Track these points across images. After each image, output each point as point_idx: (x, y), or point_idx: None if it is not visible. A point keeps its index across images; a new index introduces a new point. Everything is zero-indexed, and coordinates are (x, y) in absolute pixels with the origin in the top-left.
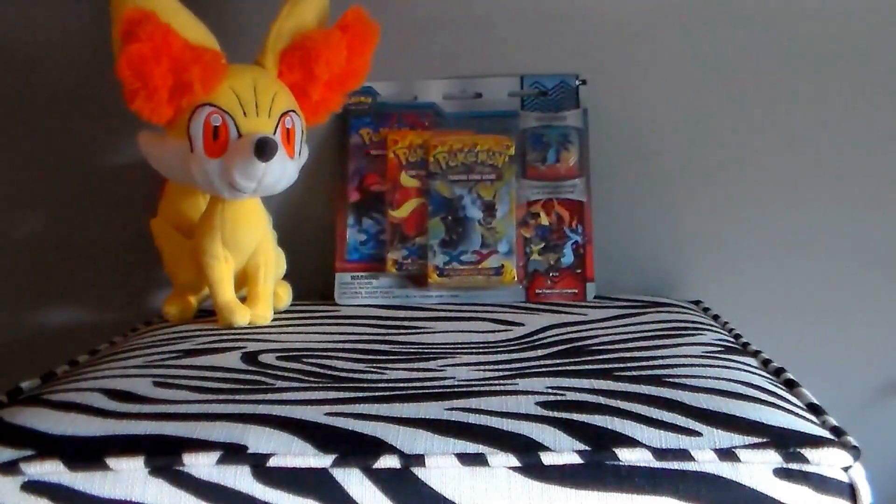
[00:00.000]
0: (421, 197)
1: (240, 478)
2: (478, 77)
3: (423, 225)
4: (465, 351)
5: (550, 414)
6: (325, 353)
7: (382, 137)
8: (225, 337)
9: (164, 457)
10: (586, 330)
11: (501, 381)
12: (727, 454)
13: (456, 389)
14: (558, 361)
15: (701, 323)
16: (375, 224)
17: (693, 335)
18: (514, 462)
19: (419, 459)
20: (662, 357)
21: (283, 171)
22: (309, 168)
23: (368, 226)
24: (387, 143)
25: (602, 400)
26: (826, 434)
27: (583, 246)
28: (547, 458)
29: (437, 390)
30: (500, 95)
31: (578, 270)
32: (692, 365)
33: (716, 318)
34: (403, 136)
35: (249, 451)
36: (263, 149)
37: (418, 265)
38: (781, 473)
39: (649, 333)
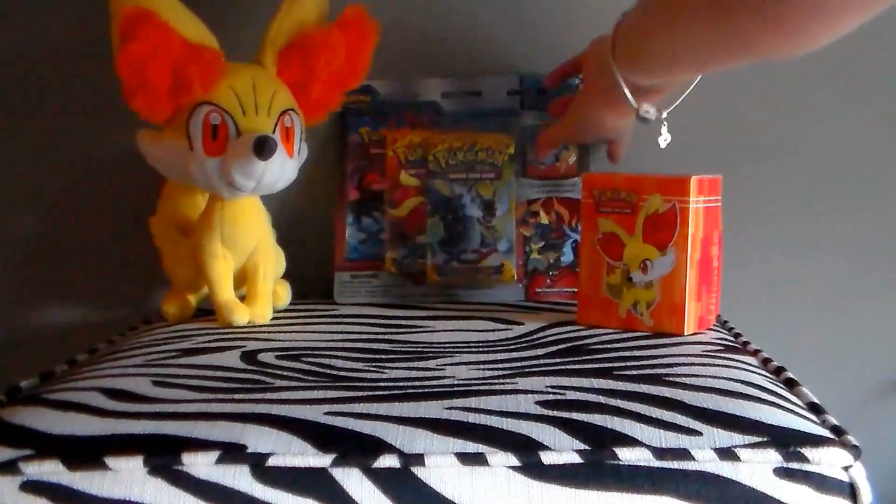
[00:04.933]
0: (420, 196)
1: (239, 477)
2: (478, 75)
3: (422, 224)
4: (465, 350)
5: (550, 413)
6: (324, 353)
7: (382, 136)
8: (224, 336)
9: (163, 456)
10: (586, 329)
11: (501, 381)
12: (727, 453)
13: (455, 388)
14: (558, 360)
15: None
16: (375, 223)
17: (693, 334)
18: (514, 461)
19: (419, 459)
20: (662, 356)
21: (282, 169)
22: (309, 167)
23: (368, 224)
24: (386, 141)
25: (602, 399)
26: (826, 433)
27: None
28: (547, 458)
29: (436, 389)
30: (499, 94)
31: (578, 269)
32: (692, 364)
33: (716, 317)
34: (403, 134)
35: (248, 450)
36: (263, 147)
37: (418, 264)
38: (781, 473)
39: (649, 332)
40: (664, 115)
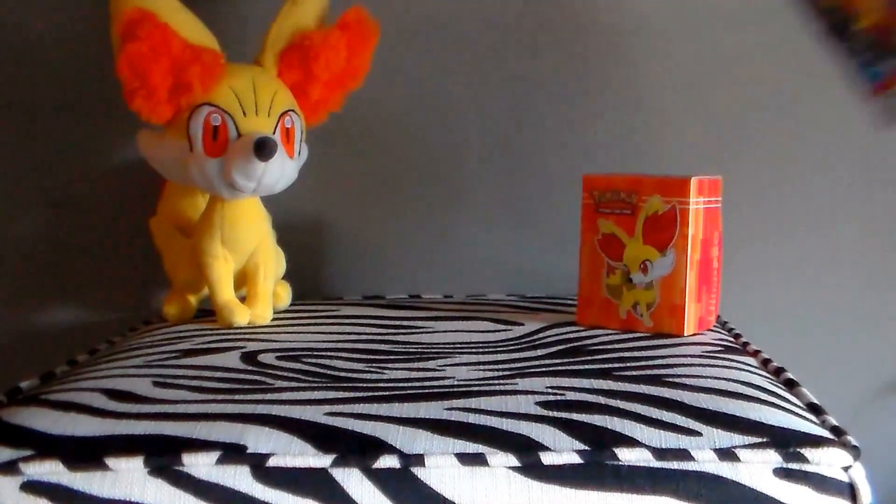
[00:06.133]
0: None
1: (239, 478)
2: None
3: None
4: (465, 351)
5: (550, 414)
6: (324, 353)
7: None
8: (224, 337)
9: (163, 457)
10: (586, 329)
11: (501, 381)
12: (727, 454)
13: (455, 389)
14: (558, 361)
15: None
16: None
17: (693, 335)
18: (514, 462)
19: (419, 459)
20: (662, 357)
21: (282, 170)
22: None
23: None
24: None
25: (602, 400)
26: (826, 434)
27: None
28: (547, 458)
29: (436, 390)
30: None
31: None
32: (692, 365)
33: (716, 317)
34: None
35: (249, 450)
36: (263, 148)
37: None
38: (781, 473)
39: (649, 333)
40: None
